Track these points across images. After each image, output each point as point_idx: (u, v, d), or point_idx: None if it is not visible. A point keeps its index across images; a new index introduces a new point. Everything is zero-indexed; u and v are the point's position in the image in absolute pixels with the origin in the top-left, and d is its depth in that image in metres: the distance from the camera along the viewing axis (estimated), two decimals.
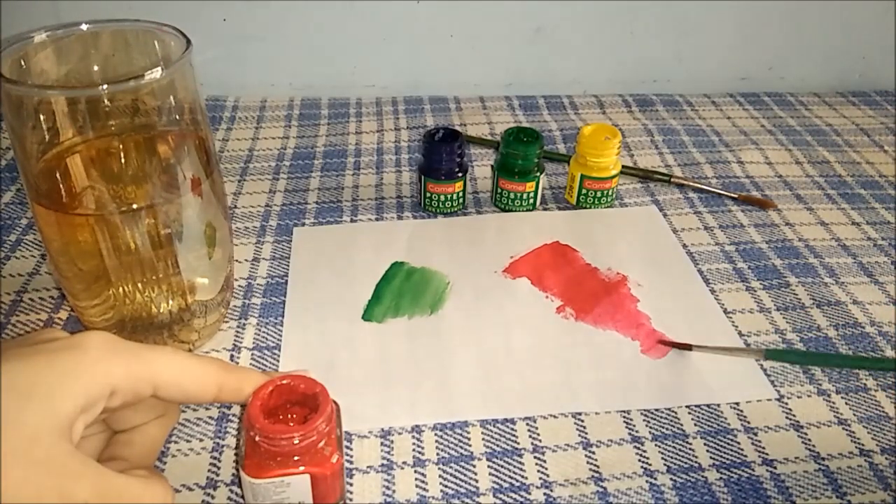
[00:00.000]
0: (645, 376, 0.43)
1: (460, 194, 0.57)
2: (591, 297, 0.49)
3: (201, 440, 0.39)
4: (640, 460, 0.39)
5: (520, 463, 0.38)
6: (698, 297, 0.49)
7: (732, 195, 0.60)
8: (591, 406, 0.41)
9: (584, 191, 0.57)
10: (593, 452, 0.39)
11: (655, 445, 0.39)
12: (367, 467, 0.38)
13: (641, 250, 0.53)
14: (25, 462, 0.25)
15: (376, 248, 0.53)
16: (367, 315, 0.47)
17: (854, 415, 0.41)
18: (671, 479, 0.38)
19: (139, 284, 0.39)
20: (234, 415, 0.41)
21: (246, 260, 0.52)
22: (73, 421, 0.27)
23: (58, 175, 0.37)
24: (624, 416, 0.41)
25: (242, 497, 0.35)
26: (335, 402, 0.34)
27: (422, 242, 0.54)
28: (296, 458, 0.32)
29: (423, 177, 0.56)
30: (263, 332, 0.46)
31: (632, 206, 0.59)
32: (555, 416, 0.41)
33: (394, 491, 0.37)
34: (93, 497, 0.26)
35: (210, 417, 0.40)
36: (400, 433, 0.40)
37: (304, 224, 0.56)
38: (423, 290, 0.49)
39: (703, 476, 0.38)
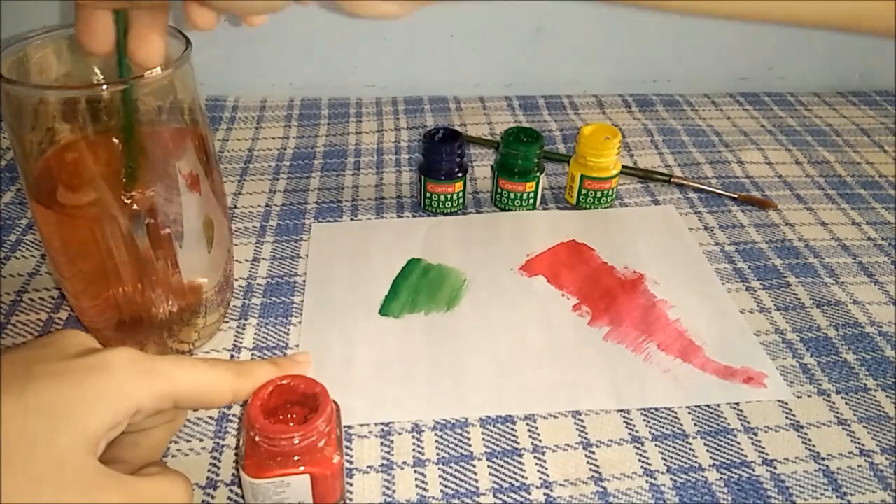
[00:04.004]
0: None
1: (460, 194, 0.57)
2: (607, 296, 0.49)
3: (201, 440, 0.39)
4: (640, 460, 0.39)
5: (520, 463, 0.38)
6: (715, 296, 0.49)
7: (732, 195, 0.60)
8: (608, 404, 0.41)
9: (584, 191, 0.57)
10: (593, 452, 0.39)
11: (655, 445, 0.39)
12: (367, 467, 0.38)
13: (658, 249, 0.53)
14: (57, 482, 0.26)
15: (393, 244, 0.53)
16: (384, 310, 0.47)
17: (854, 415, 0.41)
18: (671, 479, 0.38)
19: (139, 284, 0.39)
20: (234, 415, 0.41)
21: (246, 260, 0.52)
22: (101, 439, 0.28)
23: (57, 175, 0.37)
24: (624, 417, 0.41)
25: (242, 497, 0.35)
26: (335, 402, 0.34)
27: (438, 240, 0.54)
28: (296, 458, 0.32)
29: (423, 177, 0.56)
30: (263, 332, 0.46)
31: (632, 205, 0.59)
32: (555, 416, 0.41)
33: (394, 491, 0.37)
34: None
35: (210, 417, 0.40)
36: (400, 433, 0.40)
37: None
38: (439, 287, 0.49)
39: (703, 476, 0.38)
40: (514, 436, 0.40)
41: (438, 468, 0.38)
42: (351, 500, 0.36)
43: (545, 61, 0.77)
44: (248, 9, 0.32)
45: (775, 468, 0.38)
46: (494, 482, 0.37)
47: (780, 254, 0.54)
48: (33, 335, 0.45)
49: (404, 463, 0.38)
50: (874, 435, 0.40)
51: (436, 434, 0.40)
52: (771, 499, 0.37)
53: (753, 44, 0.78)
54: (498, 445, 0.39)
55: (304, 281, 0.50)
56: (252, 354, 0.44)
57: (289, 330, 0.46)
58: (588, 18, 0.75)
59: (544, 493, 0.37)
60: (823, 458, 0.39)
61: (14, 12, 0.69)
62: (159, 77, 0.35)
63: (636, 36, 0.76)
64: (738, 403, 0.42)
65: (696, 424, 0.40)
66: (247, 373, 0.33)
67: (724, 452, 0.39)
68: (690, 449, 0.39)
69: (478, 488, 0.37)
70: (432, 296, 0.49)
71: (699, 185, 0.61)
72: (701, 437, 0.40)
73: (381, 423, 0.40)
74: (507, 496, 0.37)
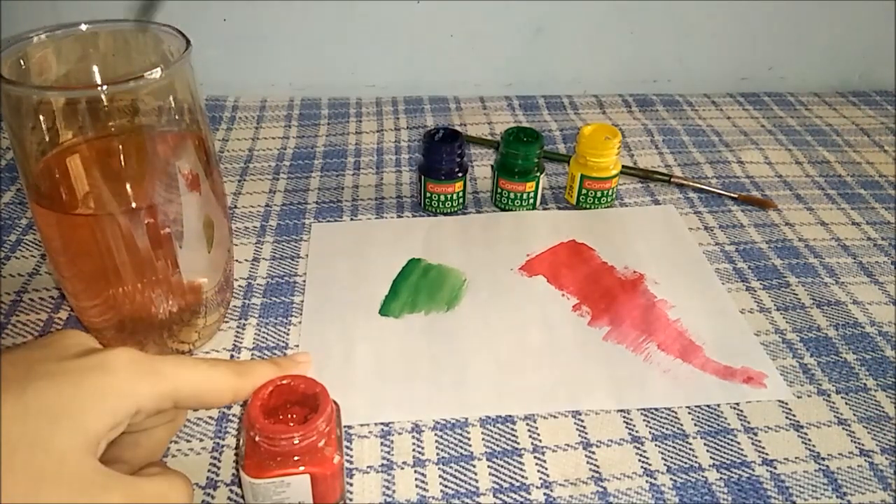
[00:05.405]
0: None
1: (460, 194, 0.57)
2: (607, 296, 0.49)
3: (201, 440, 0.39)
4: (640, 460, 0.39)
5: (520, 463, 0.38)
6: (715, 296, 0.49)
7: (732, 195, 0.60)
8: (608, 404, 0.41)
9: (584, 191, 0.57)
10: (593, 452, 0.39)
11: (655, 445, 0.39)
12: (367, 467, 0.38)
13: (658, 249, 0.54)
14: (57, 482, 0.26)
15: (393, 244, 0.53)
16: (384, 310, 0.48)
17: (854, 415, 0.41)
18: (671, 479, 0.38)
19: (139, 284, 0.39)
20: (234, 415, 0.41)
21: (246, 260, 0.52)
22: (101, 439, 0.28)
23: (57, 175, 0.37)
24: (624, 416, 0.41)
25: (242, 497, 0.35)
26: (335, 402, 0.34)
27: (438, 239, 0.54)
28: (296, 458, 0.32)
29: (423, 177, 0.56)
30: (263, 332, 0.46)
31: (632, 205, 0.59)
32: (555, 416, 0.41)
33: (394, 491, 0.37)
34: None
35: (210, 417, 0.40)
36: (400, 433, 0.40)
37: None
38: (439, 287, 0.49)
39: (703, 476, 0.38)
40: (514, 436, 0.40)
41: (438, 468, 0.38)
42: (351, 500, 0.36)
43: (545, 61, 0.77)
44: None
45: (775, 468, 0.38)
46: (494, 482, 0.37)
47: (780, 254, 0.54)
48: (33, 335, 0.45)
49: (404, 463, 0.38)
50: (874, 435, 0.40)
51: (436, 434, 0.40)
52: (771, 499, 0.37)
53: (753, 44, 0.78)
54: (498, 445, 0.39)
55: (304, 281, 0.50)
56: (252, 354, 0.44)
57: (289, 330, 0.46)
58: (588, 18, 0.75)
59: (544, 493, 0.37)
60: (823, 458, 0.39)
61: (14, 12, 0.69)
62: (159, 77, 0.35)
63: (636, 36, 0.76)
64: (738, 403, 0.42)
65: (696, 424, 0.40)
66: (247, 373, 0.33)
67: (724, 452, 0.39)
68: (690, 449, 0.39)
69: (478, 488, 0.37)
70: (432, 296, 0.49)
71: (699, 185, 0.61)
72: (701, 437, 0.40)
73: (381, 423, 0.40)
74: (507, 496, 0.37)
